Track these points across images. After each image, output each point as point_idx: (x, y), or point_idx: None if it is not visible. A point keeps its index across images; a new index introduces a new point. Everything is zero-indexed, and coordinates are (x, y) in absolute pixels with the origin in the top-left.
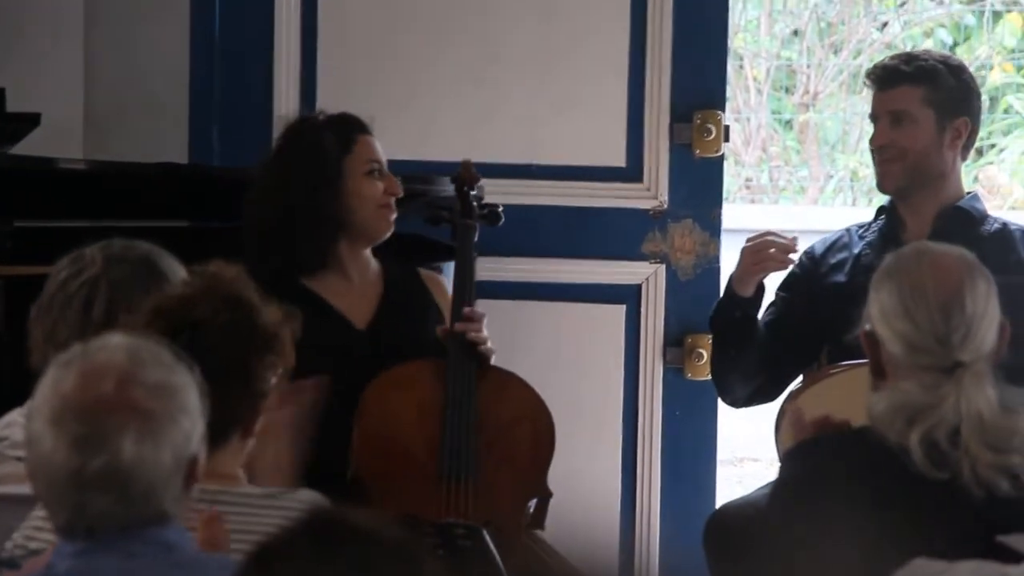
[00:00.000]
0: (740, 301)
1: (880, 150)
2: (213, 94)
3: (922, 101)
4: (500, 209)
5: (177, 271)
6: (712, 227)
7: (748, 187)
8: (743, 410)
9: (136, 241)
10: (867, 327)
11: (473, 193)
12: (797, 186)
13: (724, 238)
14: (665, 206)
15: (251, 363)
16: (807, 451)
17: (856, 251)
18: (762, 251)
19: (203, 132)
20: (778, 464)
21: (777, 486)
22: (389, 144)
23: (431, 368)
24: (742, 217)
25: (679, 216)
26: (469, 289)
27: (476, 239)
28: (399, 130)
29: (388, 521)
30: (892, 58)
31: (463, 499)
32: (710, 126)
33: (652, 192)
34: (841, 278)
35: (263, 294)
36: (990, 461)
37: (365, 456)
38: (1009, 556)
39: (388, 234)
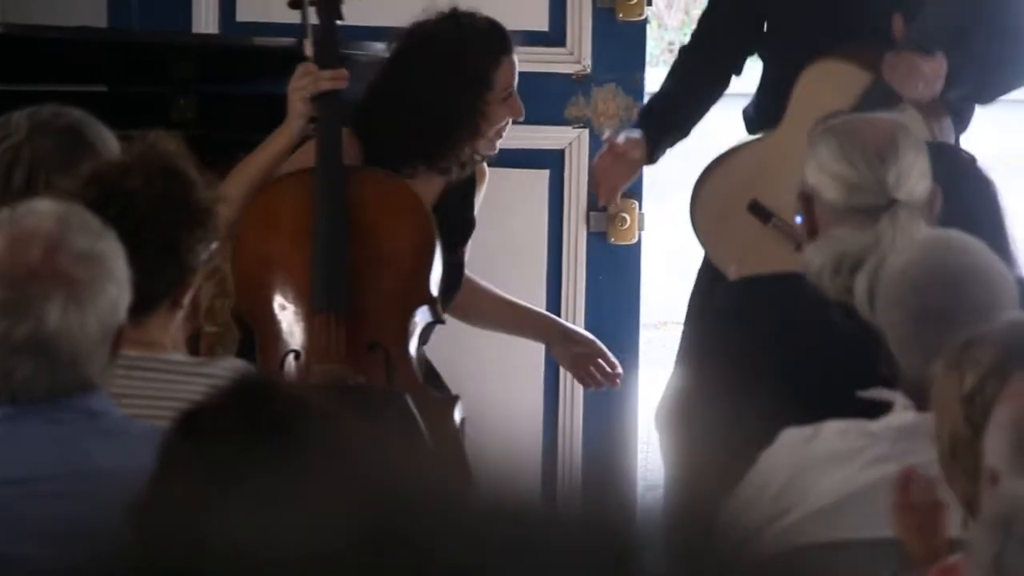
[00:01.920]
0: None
1: None
2: None
3: None
4: None
5: (107, 140)
6: (636, 91)
7: (671, 51)
8: (665, 275)
9: (67, 108)
10: (800, 189)
11: None
12: None
13: (645, 101)
14: (588, 70)
15: (182, 236)
16: (742, 295)
17: None
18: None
19: None
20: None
21: (710, 332)
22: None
23: (299, 181)
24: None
25: (602, 80)
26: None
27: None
28: None
29: (314, 388)
30: None
31: (343, 331)
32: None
33: (575, 56)
34: None
35: (201, 168)
36: None
37: (243, 295)
38: (875, 410)
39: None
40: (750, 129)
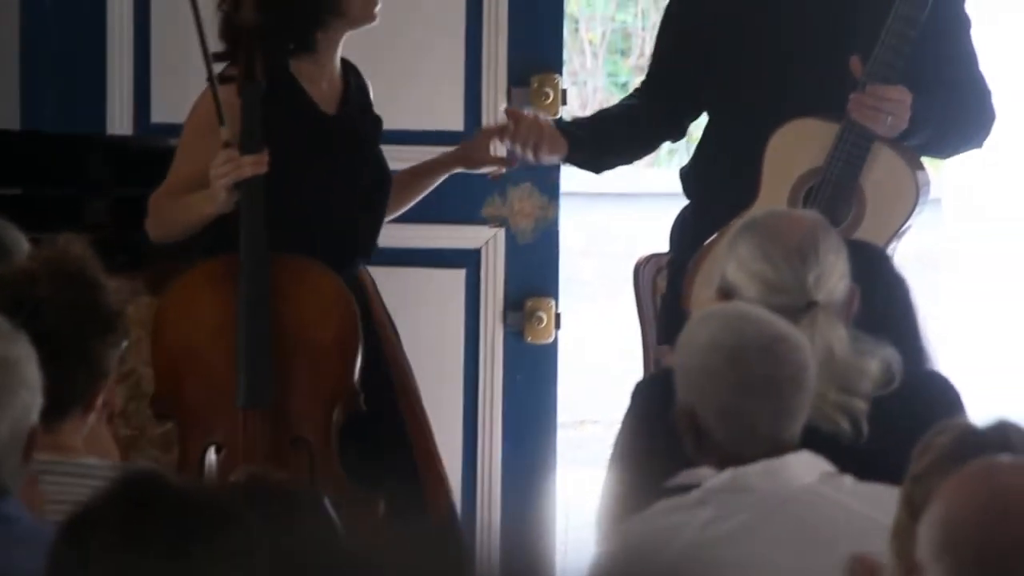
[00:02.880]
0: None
1: None
2: (45, 54)
3: None
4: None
5: (19, 242)
6: (551, 190)
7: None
8: (582, 374)
9: None
10: (720, 283)
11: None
12: None
13: (562, 201)
14: (503, 170)
15: (92, 342)
16: (655, 389)
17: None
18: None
19: (35, 96)
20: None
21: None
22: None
23: (220, 268)
24: (579, 181)
25: (518, 180)
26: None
27: None
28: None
29: (209, 483)
30: None
31: (266, 427)
32: (547, 90)
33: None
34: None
35: (110, 271)
36: (835, 400)
37: (163, 385)
38: None
39: (373, 22)
40: (687, 189)
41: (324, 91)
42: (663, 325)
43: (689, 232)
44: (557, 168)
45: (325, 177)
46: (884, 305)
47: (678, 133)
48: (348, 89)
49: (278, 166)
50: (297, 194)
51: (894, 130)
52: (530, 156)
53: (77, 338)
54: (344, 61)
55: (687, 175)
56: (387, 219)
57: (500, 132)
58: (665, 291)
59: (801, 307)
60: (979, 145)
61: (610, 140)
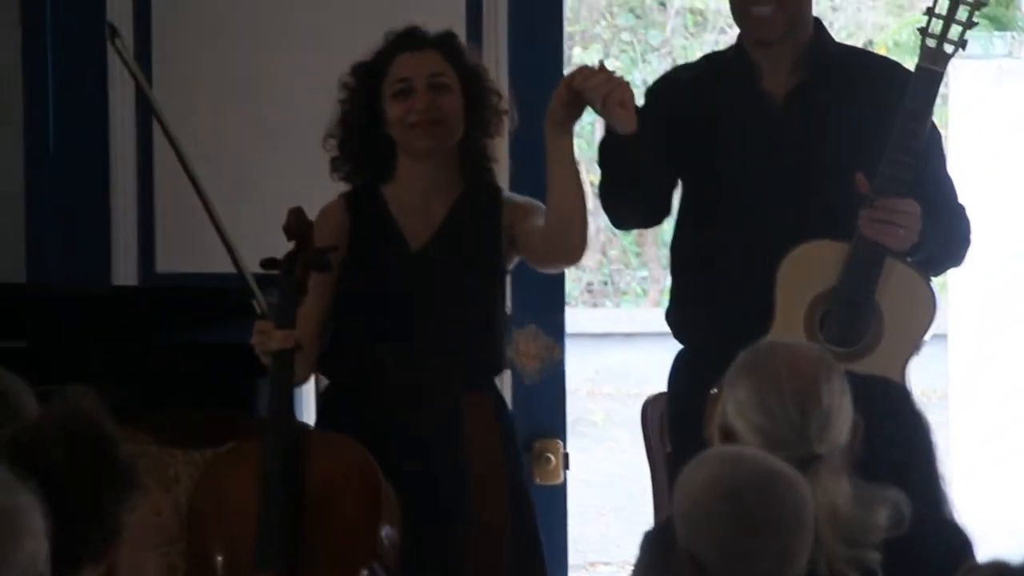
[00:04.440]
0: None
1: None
2: (49, 208)
3: None
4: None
5: (22, 395)
6: (556, 332)
7: (590, 291)
8: (592, 515)
9: None
10: (721, 421)
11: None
12: (638, 288)
13: (567, 343)
14: (509, 312)
15: (105, 501)
16: (663, 538)
17: (705, 100)
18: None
19: (39, 248)
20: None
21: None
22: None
23: (252, 449)
24: (584, 321)
25: (523, 322)
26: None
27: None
28: (240, 235)
29: None
30: None
31: None
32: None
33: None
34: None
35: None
36: (845, 555)
37: (194, 539)
38: None
39: (431, 148)
40: (676, 331)
41: (415, 221)
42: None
43: (682, 376)
44: (562, 310)
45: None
46: (903, 445)
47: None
48: (450, 217)
49: (357, 293)
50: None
51: (907, 243)
52: (599, 108)
53: (90, 498)
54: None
55: (672, 316)
56: (559, 215)
57: (578, 77)
58: (668, 443)
59: (803, 460)
60: (960, 263)
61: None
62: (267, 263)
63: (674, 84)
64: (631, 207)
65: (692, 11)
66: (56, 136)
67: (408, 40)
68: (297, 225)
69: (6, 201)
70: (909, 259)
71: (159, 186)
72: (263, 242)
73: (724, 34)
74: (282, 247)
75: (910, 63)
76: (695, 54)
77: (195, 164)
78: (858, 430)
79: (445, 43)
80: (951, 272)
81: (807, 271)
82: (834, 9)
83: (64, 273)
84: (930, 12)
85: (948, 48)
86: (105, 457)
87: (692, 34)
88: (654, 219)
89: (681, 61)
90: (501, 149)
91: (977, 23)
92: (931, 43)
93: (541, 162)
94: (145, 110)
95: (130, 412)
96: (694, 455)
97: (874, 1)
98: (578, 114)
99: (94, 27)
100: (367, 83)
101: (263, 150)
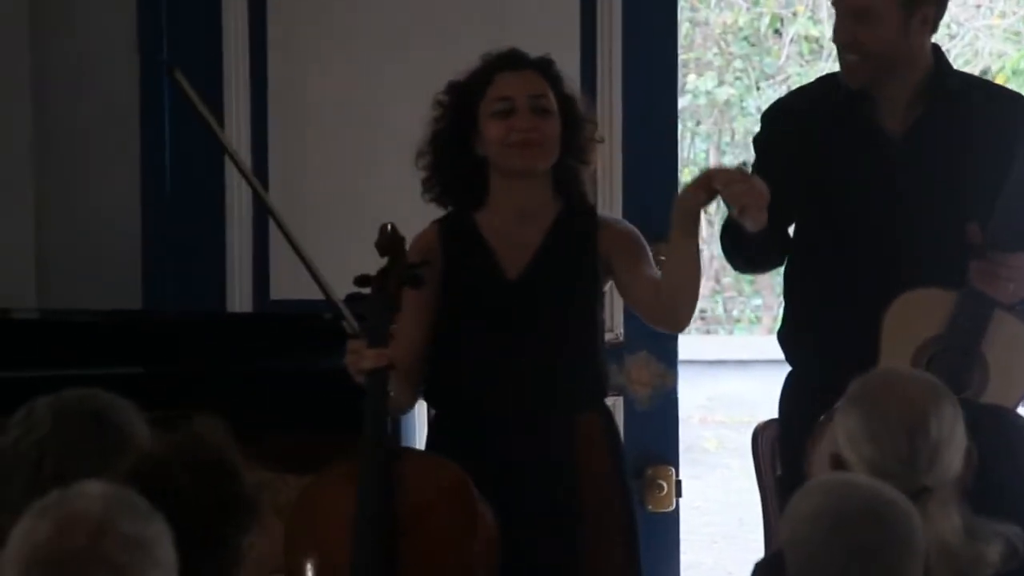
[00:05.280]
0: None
1: (843, 47)
2: (165, 239)
3: None
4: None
5: (133, 422)
6: (668, 358)
7: (703, 318)
8: (705, 542)
9: (90, 391)
10: (833, 450)
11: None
12: (752, 316)
13: (680, 369)
14: (621, 339)
15: (227, 532)
16: (772, 569)
17: (820, 136)
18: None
19: (156, 278)
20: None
21: None
22: (337, 271)
23: (349, 471)
24: (697, 348)
25: (635, 348)
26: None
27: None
28: (358, 262)
29: None
30: None
31: None
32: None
33: (608, 325)
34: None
35: (250, 455)
36: None
37: (291, 562)
38: None
39: (529, 169)
40: (787, 353)
41: (510, 248)
42: (783, 499)
43: (792, 399)
44: (675, 337)
45: (484, 347)
46: (1018, 476)
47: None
48: (545, 243)
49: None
50: (452, 355)
51: (1017, 297)
52: (735, 212)
53: (214, 526)
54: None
55: (785, 339)
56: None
57: (722, 178)
58: (779, 466)
59: (913, 492)
60: None
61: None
62: (360, 280)
63: (790, 116)
64: (751, 268)
65: (807, 38)
66: (173, 170)
67: (508, 59)
68: (389, 240)
69: (125, 234)
70: (1019, 307)
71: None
72: (368, 262)
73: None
74: None
75: None
76: None
77: (309, 184)
78: (971, 460)
79: (545, 66)
80: None
81: (915, 317)
82: (951, 36)
83: (181, 302)
84: None
85: None
86: (229, 486)
87: (807, 61)
88: (772, 268)
89: None
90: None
91: None
92: None
93: (651, 182)
94: (260, 143)
95: (244, 438)
96: (802, 478)
97: (991, 29)
98: (709, 202)
99: (208, 64)
100: (464, 101)
101: (373, 174)
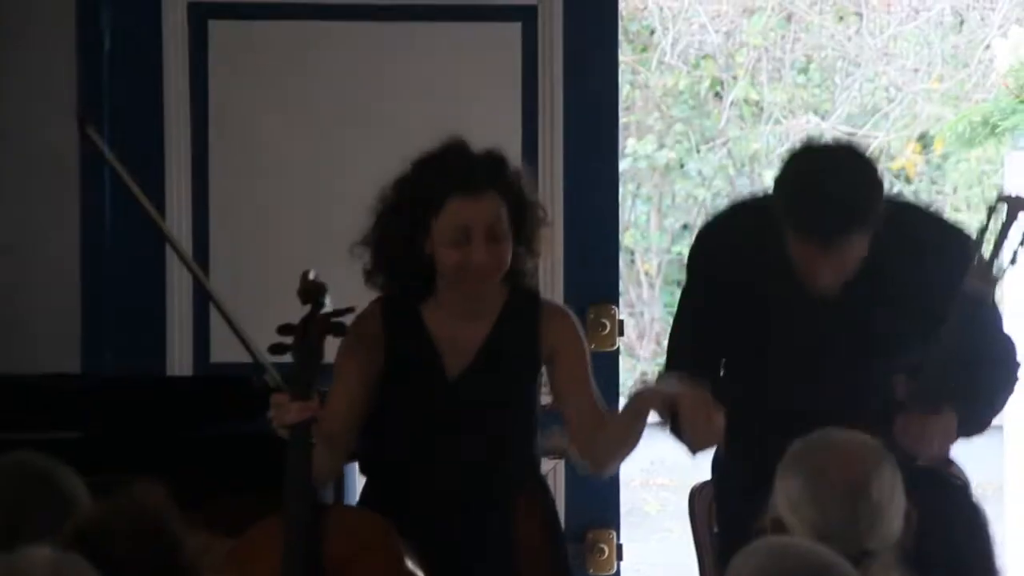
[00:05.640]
0: None
1: (827, 286)
2: (104, 301)
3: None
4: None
5: (75, 486)
6: None
7: (644, 381)
8: None
9: (32, 455)
10: (773, 514)
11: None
12: None
13: None
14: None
15: None
16: None
17: (754, 277)
18: None
19: (95, 340)
20: None
21: None
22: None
23: (276, 525)
24: None
25: None
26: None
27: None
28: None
29: None
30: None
31: None
32: (604, 320)
33: (548, 388)
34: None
35: (190, 519)
36: None
37: None
38: None
39: (481, 290)
40: None
41: (454, 342)
42: (720, 557)
43: (725, 461)
44: (616, 398)
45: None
46: (959, 537)
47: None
48: (490, 337)
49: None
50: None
51: (940, 456)
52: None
53: None
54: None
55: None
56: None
57: (666, 401)
58: (716, 524)
59: (854, 556)
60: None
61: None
62: (283, 329)
63: (717, 253)
64: None
65: (747, 102)
66: (113, 230)
67: (466, 184)
68: (310, 288)
69: (64, 294)
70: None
71: (214, 276)
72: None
73: (779, 124)
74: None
75: (966, 153)
76: (750, 145)
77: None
78: (911, 521)
79: (498, 178)
80: (1020, 256)
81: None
82: (890, 100)
83: (120, 365)
84: (982, 231)
85: (997, 270)
86: (170, 553)
87: (747, 124)
88: None
89: (736, 152)
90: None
91: None
92: (982, 261)
93: (592, 245)
94: (201, 204)
95: (185, 501)
96: (739, 539)
97: (930, 93)
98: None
99: (149, 119)
100: (416, 212)
101: (313, 237)
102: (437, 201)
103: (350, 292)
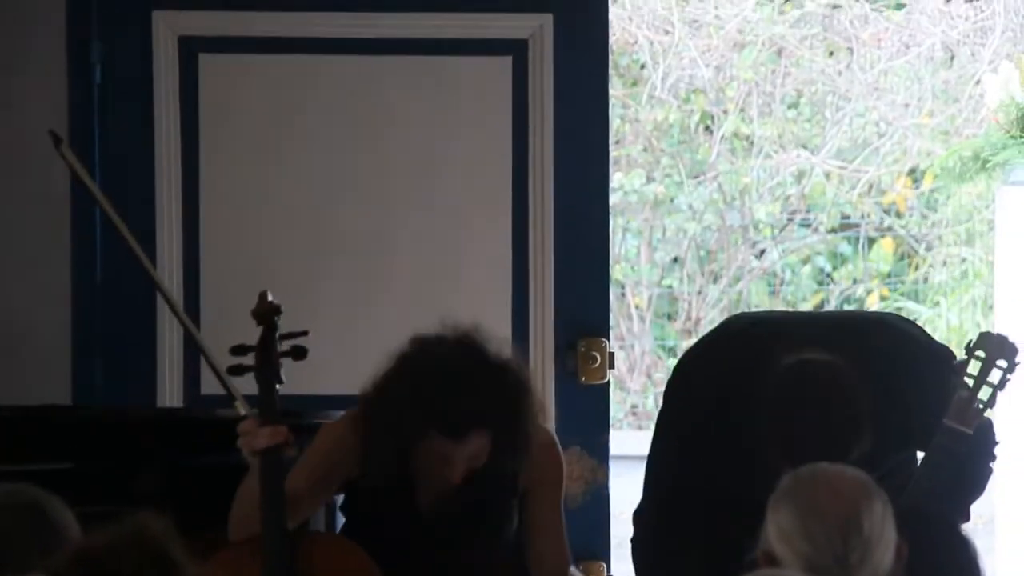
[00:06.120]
0: None
1: None
2: (95, 333)
3: None
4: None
5: (66, 516)
6: (600, 454)
7: (634, 413)
8: None
9: (24, 486)
10: (764, 547)
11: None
12: None
13: (612, 465)
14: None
15: None
16: None
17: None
18: None
19: (86, 372)
20: None
21: None
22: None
23: (250, 547)
24: (629, 443)
25: (567, 443)
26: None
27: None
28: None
29: None
30: None
31: None
32: (595, 353)
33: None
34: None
35: (188, 549)
36: None
37: None
38: None
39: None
40: None
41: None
42: None
43: None
44: (607, 430)
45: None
46: (949, 571)
47: None
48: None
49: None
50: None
51: None
52: None
53: None
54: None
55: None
56: None
57: None
58: None
59: None
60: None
61: None
62: (236, 349)
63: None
64: None
65: (737, 136)
66: (103, 263)
67: (453, 429)
68: (266, 309)
69: (54, 326)
70: None
71: (204, 309)
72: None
73: (769, 158)
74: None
75: (957, 188)
76: (740, 179)
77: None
78: (902, 555)
79: (488, 415)
80: (998, 397)
81: None
82: (880, 135)
83: (110, 397)
84: (960, 371)
85: (978, 407)
86: None
87: (738, 158)
88: None
89: (727, 186)
90: None
91: (1008, 382)
92: (961, 400)
93: (582, 279)
94: (191, 237)
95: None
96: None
97: (920, 128)
98: None
99: (141, 154)
100: (398, 431)
101: (306, 267)
102: (419, 433)
103: (341, 320)
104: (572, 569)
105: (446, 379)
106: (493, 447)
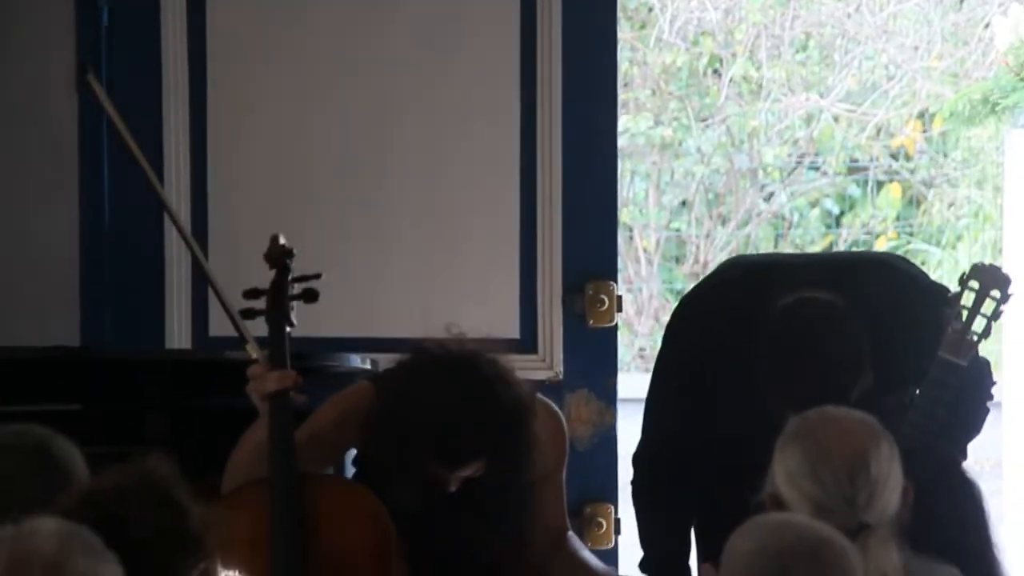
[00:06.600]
0: None
1: None
2: (103, 274)
3: None
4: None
5: (74, 458)
6: (608, 397)
7: (642, 356)
8: None
9: (31, 426)
10: (771, 489)
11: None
12: None
13: (620, 407)
14: (560, 376)
15: (175, 565)
16: None
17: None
18: None
19: (95, 314)
20: None
21: None
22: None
23: (256, 490)
24: (637, 386)
25: (575, 387)
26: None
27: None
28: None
29: None
30: None
31: None
32: (603, 296)
33: (547, 363)
34: None
35: (194, 492)
36: None
37: None
38: None
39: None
40: None
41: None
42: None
43: None
44: (614, 373)
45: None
46: (955, 513)
47: None
48: None
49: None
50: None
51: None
52: None
53: (159, 559)
54: None
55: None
56: None
57: None
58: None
59: (852, 529)
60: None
61: None
62: (250, 293)
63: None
64: None
65: (746, 79)
66: (111, 206)
67: (452, 459)
68: (278, 252)
69: (62, 268)
70: None
71: (212, 251)
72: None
73: (778, 102)
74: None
75: (966, 131)
76: (749, 122)
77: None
78: (908, 497)
79: (487, 446)
80: (1006, 341)
81: None
82: (889, 78)
83: (118, 338)
84: (954, 303)
85: (972, 338)
86: (179, 519)
87: (746, 102)
88: None
89: (735, 130)
90: None
91: (1002, 313)
92: (955, 332)
93: (590, 221)
94: (200, 178)
95: (189, 475)
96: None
97: (929, 71)
98: None
99: (149, 97)
100: (398, 455)
101: (311, 210)
102: (418, 463)
103: (349, 262)
104: (570, 534)
105: (444, 413)
106: (491, 464)
